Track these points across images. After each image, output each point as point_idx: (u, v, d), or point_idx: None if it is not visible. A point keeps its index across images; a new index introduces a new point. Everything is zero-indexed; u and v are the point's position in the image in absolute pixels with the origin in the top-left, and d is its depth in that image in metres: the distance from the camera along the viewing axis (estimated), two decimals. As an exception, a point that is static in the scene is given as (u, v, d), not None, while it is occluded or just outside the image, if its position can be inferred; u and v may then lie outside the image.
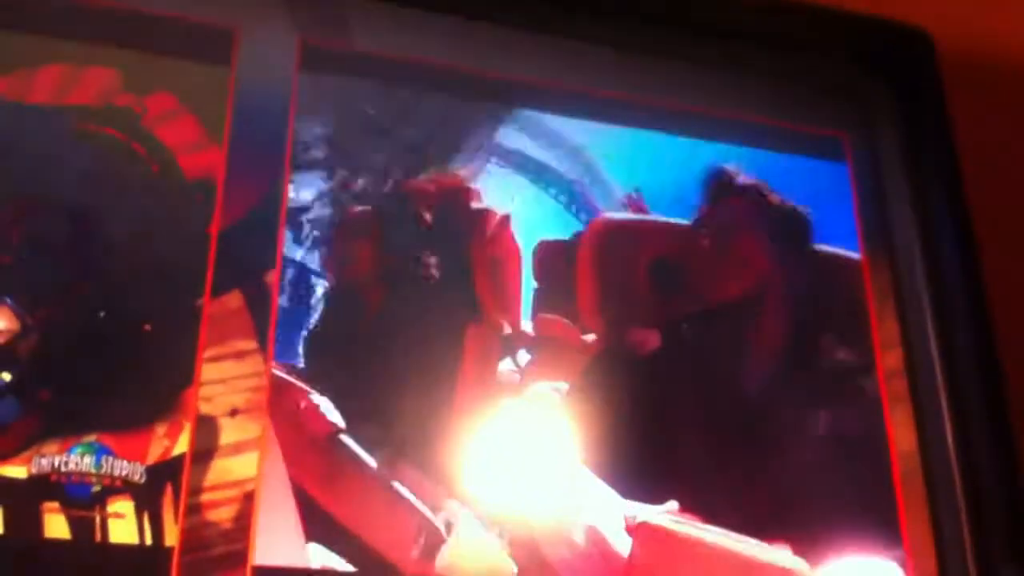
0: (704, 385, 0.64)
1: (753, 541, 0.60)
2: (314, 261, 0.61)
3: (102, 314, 0.56)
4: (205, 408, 0.55)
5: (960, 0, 0.80)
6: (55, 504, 0.52)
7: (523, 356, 0.62)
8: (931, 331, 0.67)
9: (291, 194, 0.61)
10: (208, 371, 0.56)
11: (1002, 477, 0.64)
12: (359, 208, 0.62)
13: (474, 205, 0.64)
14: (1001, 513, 0.63)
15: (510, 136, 0.67)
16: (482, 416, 0.60)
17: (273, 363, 0.57)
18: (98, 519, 0.53)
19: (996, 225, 0.70)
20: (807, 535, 0.61)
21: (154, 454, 0.54)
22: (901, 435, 0.65)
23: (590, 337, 0.63)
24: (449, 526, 0.57)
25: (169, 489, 0.54)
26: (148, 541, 0.53)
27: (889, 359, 0.67)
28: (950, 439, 0.65)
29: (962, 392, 0.65)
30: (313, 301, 0.60)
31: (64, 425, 0.54)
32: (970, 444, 0.64)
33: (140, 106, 0.61)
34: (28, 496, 0.52)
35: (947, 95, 0.72)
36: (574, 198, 0.66)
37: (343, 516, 0.56)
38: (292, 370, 0.58)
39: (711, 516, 0.60)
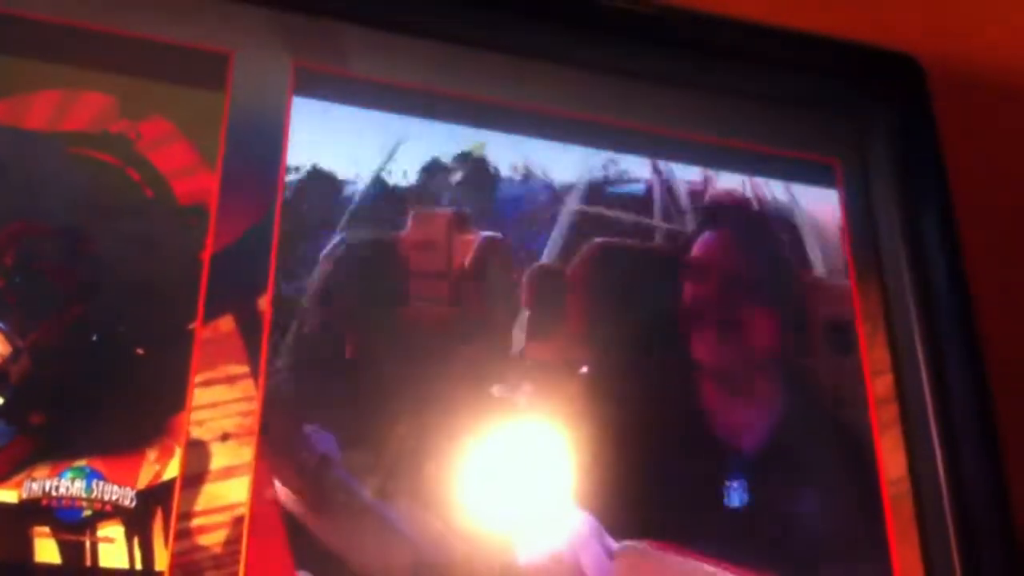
0: (693, 412, 0.64)
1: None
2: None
3: (94, 338, 0.56)
4: (196, 433, 0.55)
5: (949, 22, 0.80)
6: (45, 528, 0.52)
7: (515, 381, 0.62)
8: (921, 358, 0.67)
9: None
10: (200, 396, 0.56)
11: (992, 503, 0.64)
12: (349, 237, 0.63)
13: (466, 229, 0.64)
14: (991, 538, 0.63)
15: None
16: (473, 441, 0.60)
17: (264, 388, 0.57)
18: (88, 544, 0.52)
19: (987, 252, 0.71)
20: (795, 561, 0.61)
21: (144, 479, 0.54)
22: (891, 461, 0.65)
23: (581, 361, 0.63)
24: (443, 556, 0.57)
25: (159, 514, 0.54)
26: (138, 566, 0.53)
27: (879, 385, 0.67)
28: (940, 465, 0.65)
29: (952, 418, 0.65)
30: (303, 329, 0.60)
31: (55, 449, 0.54)
32: (960, 470, 0.64)
33: (135, 132, 0.61)
34: (19, 520, 0.52)
35: (938, 120, 0.73)
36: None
37: (333, 542, 0.56)
38: (283, 396, 0.58)
39: (698, 544, 0.60)
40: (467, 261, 0.64)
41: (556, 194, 0.67)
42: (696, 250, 0.68)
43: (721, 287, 0.67)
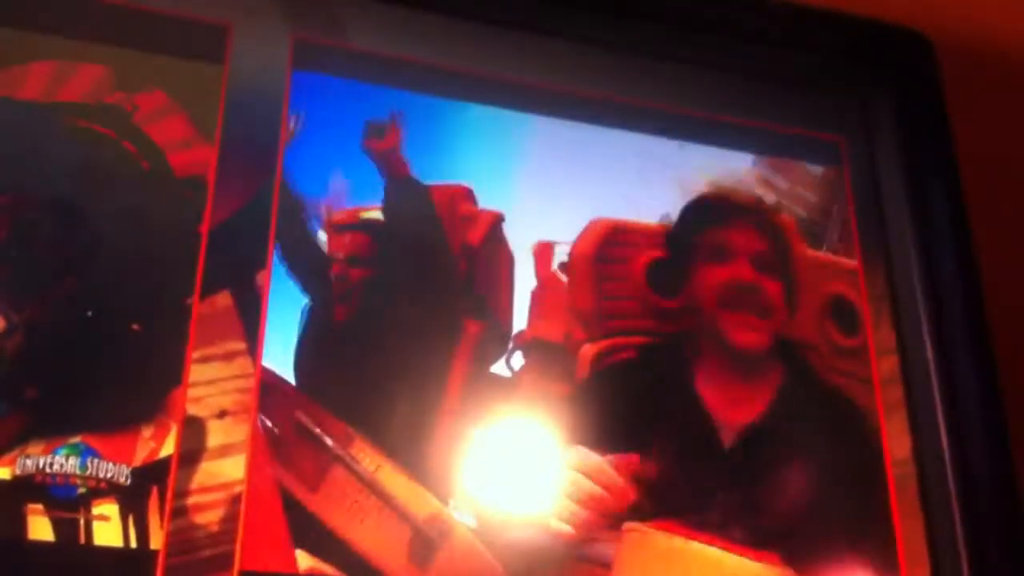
0: (697, 394, 0.64)
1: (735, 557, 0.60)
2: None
3: (90, 313, 0.56)
4: (193, 410, 0.55)
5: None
6: (39, 505, 0.52)
7: (517, 359, 0.62)
8: (927, 338, 0.66)
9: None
10: (196, 372, 0.56)
11: (997, 485, 0.64)
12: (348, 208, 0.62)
13: (467, 205, 0.64)
14: (996, 521, 0.63)
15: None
16: (474, 419, 0.59)
17: (262, 364, 0.57)
18: (83, 521, 0.52)
19: (994, 231, 0.70)
20: (799, 543, 0.61)
21: (140, 456, 0.54)
22: (896, 442, 0.64)
23: (586, 340, 0.63)
24: (442, 534, 0.56)
25: (155, 491, 0.53)
26: (133, 544, 0.52)
27: (884, 366, 0.66)
28: (945, 447, 0.64)
29: (958, 400, 0.65)
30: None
31: (49, 425, 0.53)
32: (966, 452, 0.64)
33: (131, 103, 0.60)
34: (12, 497, 0.52)
35: (946, 97, 0.72)
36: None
37: (331, 520, 0.55)
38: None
39: (702, 526, 0.60)
40: (474, 237, 0.63)
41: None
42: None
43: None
